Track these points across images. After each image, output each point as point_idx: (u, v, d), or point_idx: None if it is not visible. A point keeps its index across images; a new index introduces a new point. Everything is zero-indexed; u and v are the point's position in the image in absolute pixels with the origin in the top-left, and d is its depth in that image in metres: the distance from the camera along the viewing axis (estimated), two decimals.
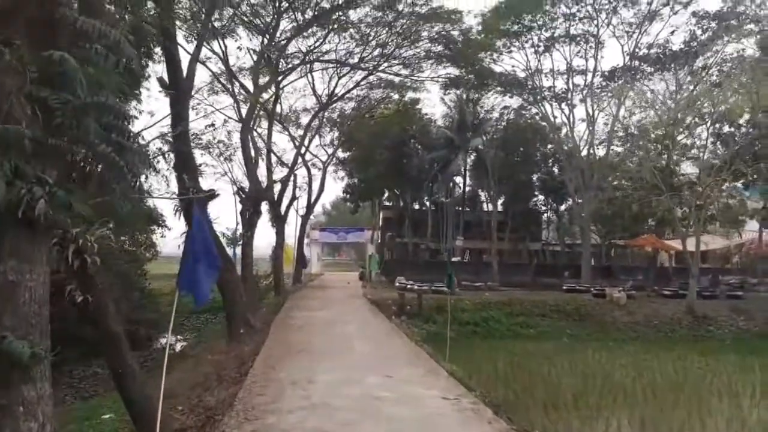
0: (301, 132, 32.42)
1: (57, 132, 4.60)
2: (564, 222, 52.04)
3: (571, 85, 35.03)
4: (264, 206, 27.23)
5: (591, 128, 33.78)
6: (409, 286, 29.50)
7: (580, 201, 34.99)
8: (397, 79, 33.20)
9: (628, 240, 34.82)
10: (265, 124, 29.23)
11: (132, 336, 21.24)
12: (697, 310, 24.56)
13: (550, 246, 55.88)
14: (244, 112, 22.14)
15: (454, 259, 43.73)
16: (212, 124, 25.67)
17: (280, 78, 25.20)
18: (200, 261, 5.97)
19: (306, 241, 41.94)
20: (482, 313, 23.91)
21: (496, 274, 34.80)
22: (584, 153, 34.93)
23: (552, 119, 34.74)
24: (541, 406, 12.05)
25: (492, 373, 15.48)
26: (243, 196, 20.83)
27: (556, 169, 46.68)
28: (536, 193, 47.89)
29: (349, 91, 30.22)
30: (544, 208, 51.88)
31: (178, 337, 24.83)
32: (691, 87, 34.11)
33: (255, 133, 30.42)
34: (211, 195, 15.89)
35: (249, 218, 20.24)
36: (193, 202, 15.00)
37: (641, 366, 17.50)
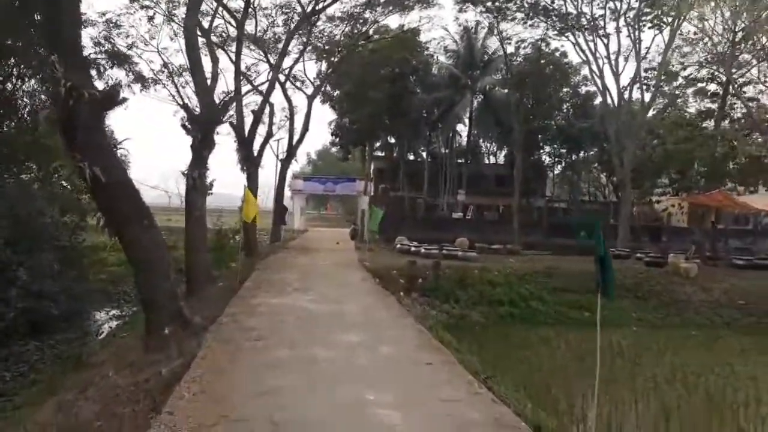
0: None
1: None
2: (572, 175, 45.46)
3: (608, 10, 27.71)
4: (228, 141, 20.16)
5: (638, 62, 26.53)
6: (413, 249, 22.78)
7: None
8: None
9: (673, 196, 28.21)
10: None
11: (33, 315, 14.49)
12: None
13: (555, 203, 49.47)
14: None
15: (455, 215, 37.15)
16: (151, 18, 18.37)
17: None
18: None
19: (287, 192, 34.83)
20: (517, 288, 17.19)
21: (516, 234, 27.96)
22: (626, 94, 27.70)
23: (590, 51, 27.24)
24: None
25: (565, 403, 8.96)
26: (187, 118, 13.61)
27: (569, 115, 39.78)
28: (549, 142, 40.89)
29: None
30: (550, 160, 45.14)
31: (113, 313, 17.95)
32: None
33: (220, 50, 23.03)
34: (108, 97, 8.77)
35: (196, 150, 13.08)
36: (75, 108, 8.02)
37: None
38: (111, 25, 16.63)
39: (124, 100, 9.15)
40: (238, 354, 6.84)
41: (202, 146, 13.08)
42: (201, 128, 13.19)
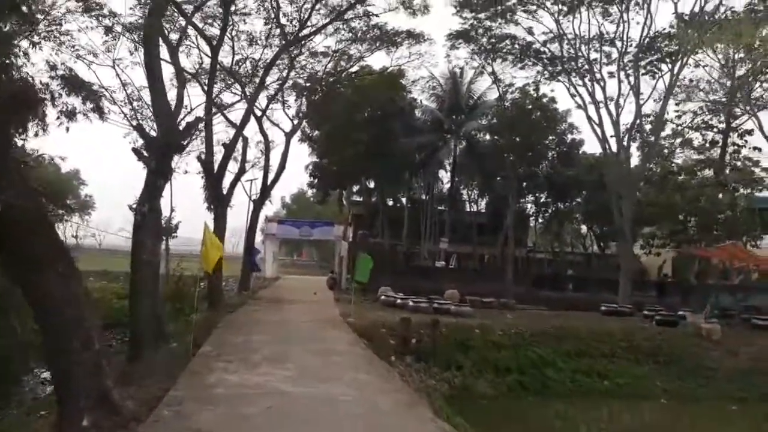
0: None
1: None
2: (557, 225, 43.55)
3: (602, 53, 26.27)
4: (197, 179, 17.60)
5: (637, 108, 24.85)
6: (399, 301, 20.18)
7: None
8: (390, 26, 23.96)
9: (676, 248, 26.26)
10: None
11: None
12: None
13: (537, 253, 47.48)
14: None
15: (438, 264, 34.67)
16: (109, 29, 15.76)
17: None
18: None
19: (259, 236, 32.00)
20: (525, 351, 14.60)
21: (510, 286, 25.51)
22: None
23: (589, 94, 25.48)
24: None
25: None
26: (143, 143, 11.04)
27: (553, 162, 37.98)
28: (533, 191, 38.98)
29: (328, 23, 20.55)
30: (534, 209, 43.13)
31: (45, 375, 14.72)
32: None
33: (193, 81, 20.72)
34: (16, 98, 6.30)
35: (149, 179, 10.42)
36: None
37: None
38: (55, 30, 13.88)
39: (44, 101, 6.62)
40: None
41: (157, 175, 10.43)
42: (156, 154, 10.59)
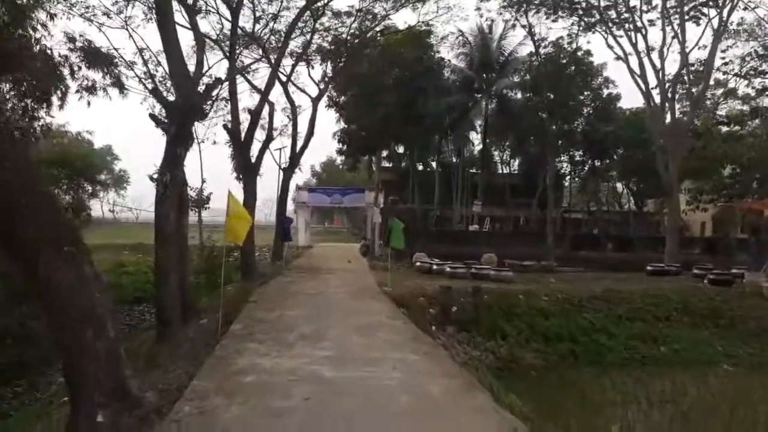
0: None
1: None
2: (594, 183, 41.67)
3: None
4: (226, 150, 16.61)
5: (683, 52, 22.93)
6: (436, 267, 19.21)
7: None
8: None
9: (727, 202, 24.58)
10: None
11: None
12: None
13: (572, 213, 45.80)
14: None
15: (472, 228, 33.57)
16: None
17: None
18: None
19: (290, 205, 31.23)
20: (575, 317, 13.53)
21: (551, 249, 24.28)
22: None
23: (631, 44, 23.60)
24: None
25: None
26: (159, 103, 10.08)
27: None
28: (570, 149, 37.09)
29: None
30: (569, 167, 41.24)
31: None
32: None
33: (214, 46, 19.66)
34: None
35: (169, 145, 9.49)
36: None
37: None
38: None
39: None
40: None
41: (177, 142, 9.49)
42: (176, 119, 9.64)
